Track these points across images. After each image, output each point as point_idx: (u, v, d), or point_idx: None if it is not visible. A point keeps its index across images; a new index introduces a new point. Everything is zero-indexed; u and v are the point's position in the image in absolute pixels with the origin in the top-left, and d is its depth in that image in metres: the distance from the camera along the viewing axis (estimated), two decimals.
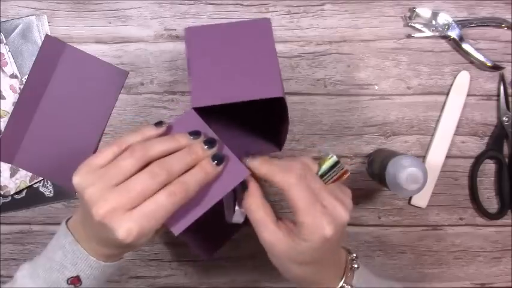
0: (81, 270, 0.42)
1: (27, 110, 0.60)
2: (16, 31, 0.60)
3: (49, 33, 0.61)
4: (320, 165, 0.42)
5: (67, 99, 0.61)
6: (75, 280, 0.43)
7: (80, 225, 0.42)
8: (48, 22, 0.61)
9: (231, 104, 0.41)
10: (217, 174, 0.40)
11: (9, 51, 0.60)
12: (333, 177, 0.42)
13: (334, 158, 0.41)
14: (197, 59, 0.43)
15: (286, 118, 0.45)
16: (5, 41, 0.60)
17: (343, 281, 0.43)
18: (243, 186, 0.43)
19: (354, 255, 0.45)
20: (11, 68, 0.60)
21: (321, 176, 0.42)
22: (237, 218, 0.46)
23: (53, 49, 0.60)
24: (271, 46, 0.43)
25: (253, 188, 0.43)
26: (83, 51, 0.61)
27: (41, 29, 0.60)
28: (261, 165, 0.42)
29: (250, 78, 0.42)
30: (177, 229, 0.39)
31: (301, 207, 0.39)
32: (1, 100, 0.60)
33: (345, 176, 0.42)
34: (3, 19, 0.60)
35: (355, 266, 0.44)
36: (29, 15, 0.60)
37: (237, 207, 0.46)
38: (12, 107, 0.60)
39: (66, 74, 0.61)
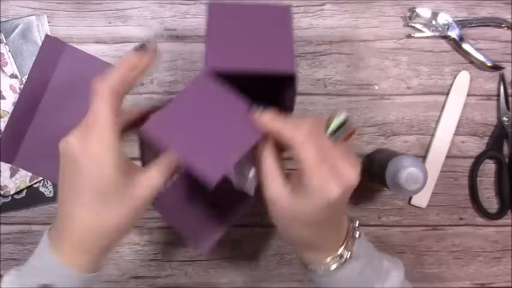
0: (55, 281, 0.39)
1: (27, 110, 0.60)
2: (16, 31, 0.60)
3: (49, 33, 0.61)
4: (328, 125, 0.40)
5: (67, 99, 0.61)
6: None
7: (61, 223, 0.40)
8: (48, 22, 0.61)
9: (239, 85, 0.41)
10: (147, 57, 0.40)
11: (9, 51, 0.60)
12: (342, 135, 0.40)
13: (343, 116, 0.40)
14: (215, 29, 0.44)
15: (293, 98, 0.46)
16: (5, 41, 0.60)
17: (343, 247, 0.42)
18: None
19: (357, 223, 0.44)
20: (11, 68, 0.60)
21: (330, 136, 0.40)
22: (249, 185, 0.44)
23: (53, 49, 0.60)
24: (289, 29, 0.44)
25: (265, 141, 0.41)
26: (82, 51, 0.61)
27: (41, 29, 0.60)
28: (270, 120, 0.39)
29: (265, 53, 0.42)
30: (212, 179, 0.38)
31: (308, 167, 0.37)
32: (1, 100, 0.60)
33: (354, 135, 0.41)
34: (3, 19, 0.60)
35: (357, 234, 0.43)
36: (29, 15, 0.60)
37: (251, 175, 0.44)
38: (12, 107, 0.60)
39: (66, 73, 0.61)
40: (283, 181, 0.39)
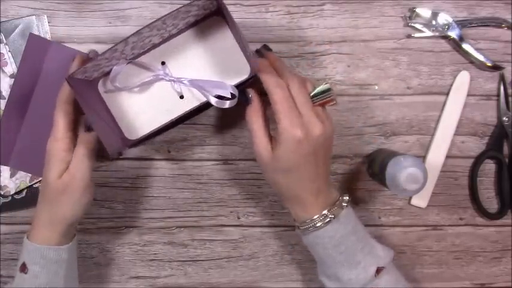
0: (24, 257, 0.50)
1: (18, 110, 0.60)
2: (16, 31, 0.60)
3: (49, 34, 0.60)
4: (314, 88, 0.49)
5: (56, 95, 0.60)
6: (23, 267, 0.50)
7: (37, 212, 0.51)
8: (48, 22, 0.61)
9: None
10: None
11: (9, 51, 0.60)
12: (320, 100, 0.48)
13: (327, 86, 0.48)
14: None
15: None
16: (5, 41, 0.60)
17: (328, 209, 0.48)
18: (247, 100, 0.49)
19: (346, 197, 0.50)
20: (11, 68, 0.60)
21: (312, 97, 0.48)
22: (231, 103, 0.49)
23: (38, 47, 0.59)
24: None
25: (256, 103, 0.49)
26: (68, 47, 0.60)
27: (41, 29, 0.60)
28: (261, 66, 0.49)
29: None
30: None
31: (280, 111, 0.46)
32: (1, 100, 0.60)
33: (331, 103, 0.49)
34: (3, 19, 0.60)
35: (344, 204, 0.50)
36: (29, 15, 0.60)
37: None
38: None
39: (53, 71, 0.60)
40: (267, 139, 0.48)
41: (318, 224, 0.48)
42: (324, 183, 0.50)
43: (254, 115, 0.48)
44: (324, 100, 0.48)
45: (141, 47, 0.50)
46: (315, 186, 0.48)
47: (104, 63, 0.48)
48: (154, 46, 0.51)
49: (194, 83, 0.49)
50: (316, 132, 0.46)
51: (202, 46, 0.51)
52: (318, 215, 0.48)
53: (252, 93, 0.49)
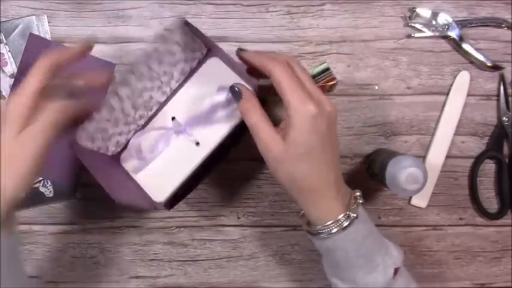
0: None
1: None
2: (16, 31, 0.60)
3: (49, 34, 0.60)
4: (312, 70, 0.46)
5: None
6: None
7: None
8: (48, 22, 0.61)
9: None
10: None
11: (9, 51, 0.60)
12: (321, 79, 0.45)
13: (326, 65, 0.46)
14: None
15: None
16: (5, 41, 0.60)
17: (346, 212, 0.43)
18: (237, 96, 0.44)
19: (358, 193, 0.46)
20: (11, 68, 0.60)
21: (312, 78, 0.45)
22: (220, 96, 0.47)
23: (38, 47, 0.59)
24: None
25: (248, 94, 0.44)
26: (68, 46, 0.60)
27: (41, 29, 0.60)
28: (252, 55, 0.45)
29: None
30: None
31: (287, 88, 0.41)
32: (1, 100, 0.60)
33: (332, 82, 0.45)
34: (3, 19, 0.60)
35: (360, 201, 0.45)
36: (29, 15, 0.60)
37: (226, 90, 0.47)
38: None
39: None
40: (272, 128, 0.42)
41: (335, 230, 0.43)
42: (340, 173, 0.45)
43: (249, 107, 0.43)
44: (325, 80, 0.46)
45: (144, 107, 0.49)
46: (333, 175, 0.44)
47: (109, 126, 0.47)
48: (161, 106, 0.50)
49: (196, 120, 0.48)
50: (328, 108, 0.42)
51: (206, 90, 0.50)
52: (339, 216, 0.43)
53: (240, 87, 0.44)
